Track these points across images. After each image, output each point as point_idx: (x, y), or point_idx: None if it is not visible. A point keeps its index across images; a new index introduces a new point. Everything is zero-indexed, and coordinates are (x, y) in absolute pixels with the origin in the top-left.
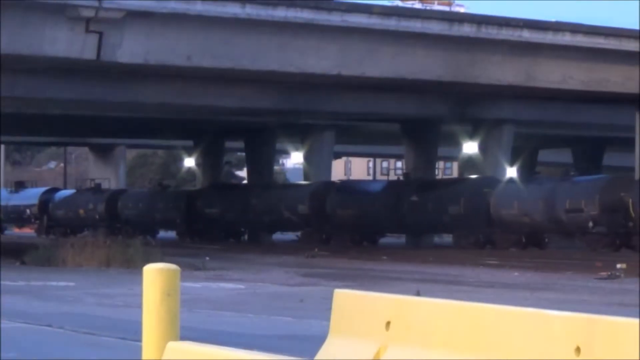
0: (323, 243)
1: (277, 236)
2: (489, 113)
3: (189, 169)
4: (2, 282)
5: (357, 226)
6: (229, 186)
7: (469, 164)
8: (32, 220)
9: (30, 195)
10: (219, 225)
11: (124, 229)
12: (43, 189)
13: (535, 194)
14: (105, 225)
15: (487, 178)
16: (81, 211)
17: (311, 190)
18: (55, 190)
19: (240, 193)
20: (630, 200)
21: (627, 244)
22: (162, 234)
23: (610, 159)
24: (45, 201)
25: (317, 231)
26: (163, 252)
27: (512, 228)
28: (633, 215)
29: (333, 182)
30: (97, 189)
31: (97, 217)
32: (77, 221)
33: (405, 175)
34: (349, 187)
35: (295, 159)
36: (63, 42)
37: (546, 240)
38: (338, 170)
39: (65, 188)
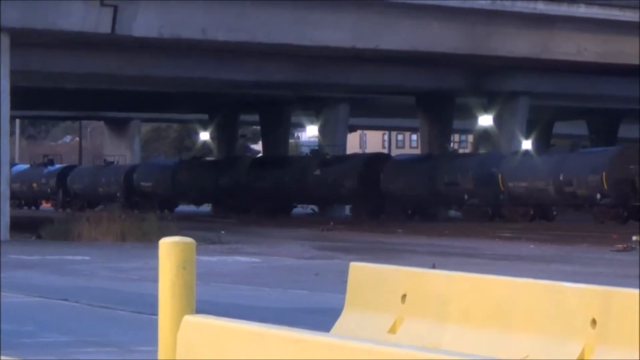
0: (241, 214)
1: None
2: (504, 85)
3: (204, 142)
4: (18, 257)
5: (272, 197)
6: (160, 162)
7: (484, 136)
8: None
9: None
10: (152, 198)
11: (72, 202)
12: None
13: (419, 169)
14: (56, 199)
15: (380, 154)
16: (34, 185)
17: (231, 165)
18: (11, 165)
19: (169, 168)
20: (500, 174)
21: (499, 214)
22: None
23: (626, 131)
24: None
25: (235, 203)
26: (178, 226)
27: (399, 200)
28: (502, 188)
29: (250, 157)
30: (49, 163)
31: (48, 190)
32: (30, 194)
33: (312, 151)
34: (264, 162)
35: (310, 132)
36: (77, 16)
37: (433, 211)
38: (353, 143)
39: (80, 163)
